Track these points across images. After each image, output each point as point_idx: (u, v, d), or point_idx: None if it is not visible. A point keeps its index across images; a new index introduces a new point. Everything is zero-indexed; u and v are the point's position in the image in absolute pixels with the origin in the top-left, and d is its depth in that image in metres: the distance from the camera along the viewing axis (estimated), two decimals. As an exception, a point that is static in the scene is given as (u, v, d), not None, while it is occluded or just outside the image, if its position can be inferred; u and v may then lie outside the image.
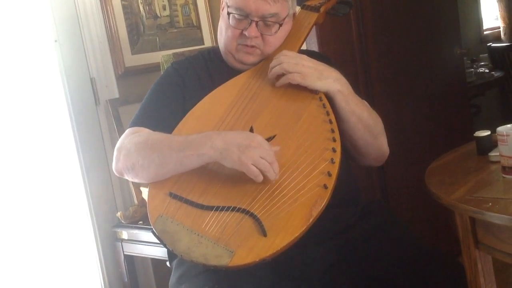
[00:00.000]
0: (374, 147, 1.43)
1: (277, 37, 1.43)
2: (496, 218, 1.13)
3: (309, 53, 1.51)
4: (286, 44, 1.46)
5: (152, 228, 1.19)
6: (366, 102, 1.45)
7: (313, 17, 1.52)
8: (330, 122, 1.30)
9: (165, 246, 1.17)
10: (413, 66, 2.66)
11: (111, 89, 2.38)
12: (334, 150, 1.24)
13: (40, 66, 2.25)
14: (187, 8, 2.65)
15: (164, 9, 2.55)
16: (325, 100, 1.34)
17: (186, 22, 2.64)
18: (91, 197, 2.31)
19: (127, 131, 1.39)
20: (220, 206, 1.19)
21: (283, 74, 1.35)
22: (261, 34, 1.41)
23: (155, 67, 2.26)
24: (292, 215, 1.15)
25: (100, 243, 2.34)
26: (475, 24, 5.56)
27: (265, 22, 1.39)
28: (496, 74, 4.78)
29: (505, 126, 1.33)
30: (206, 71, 1.49)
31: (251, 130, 1.31)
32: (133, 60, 2.43)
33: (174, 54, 2.07)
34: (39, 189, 2.22)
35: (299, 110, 1.34)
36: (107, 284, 2.36)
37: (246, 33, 1.39)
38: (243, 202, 1.18)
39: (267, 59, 1.44)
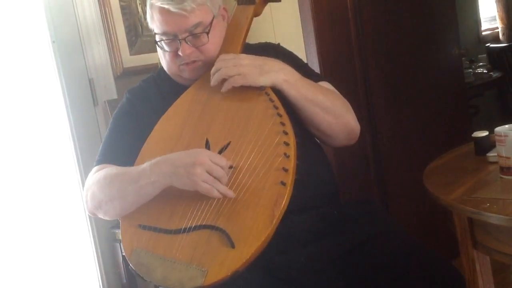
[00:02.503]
0: (340, 126, 1.40)
1: (212, 42, 1.39)
2: (494, 218, 1.13)
3: (261, 45, 1.52)
4: (226, 45, 1.43)
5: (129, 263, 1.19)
6: (322, 84, 1.42)
7: (250, 10, 1.47)
8: (279, 115, 1.27)
9: (142, 279, 1.17)
10: (411, 67, 2.66)
11: (109, 90, 2.38)
12: (286, 144, 1.21)
13: (38, 67, 2.25)
14: (186, 8, 2.64)
15: (163, 9, 2.55)
16: (272, 94, 1.31)
17: (184, 22, 2.63)
18: (89, 198, 2.31)
19: (93, 170, 1.41)
20: (187, 227, 1.17)
21: (225, 79, 1.32)
22: (196, 47, 1.38)
23: (154, 68, 2.25)
24: (256, 220, 1.13)
25: (99, 244, 2.34)
26: (474, 24, 5.56)
27: (193, 35, 1.36)
28: (495, 74, 4.77)
29: (503, 126, 1.33)
30: (158, 94, 1.48)
31: (207, 142, 1.29)
32: (131, 60, 2.43)
33: (172, 54, 2.07)
34: (37, 190, 2.21)
35: (247, 111, 1.31)
36: (106, 285, 2.35)
37: (180, 53, 1.37)
38: (208, 218, 1.17)
39: (211, 66, 1.39)
